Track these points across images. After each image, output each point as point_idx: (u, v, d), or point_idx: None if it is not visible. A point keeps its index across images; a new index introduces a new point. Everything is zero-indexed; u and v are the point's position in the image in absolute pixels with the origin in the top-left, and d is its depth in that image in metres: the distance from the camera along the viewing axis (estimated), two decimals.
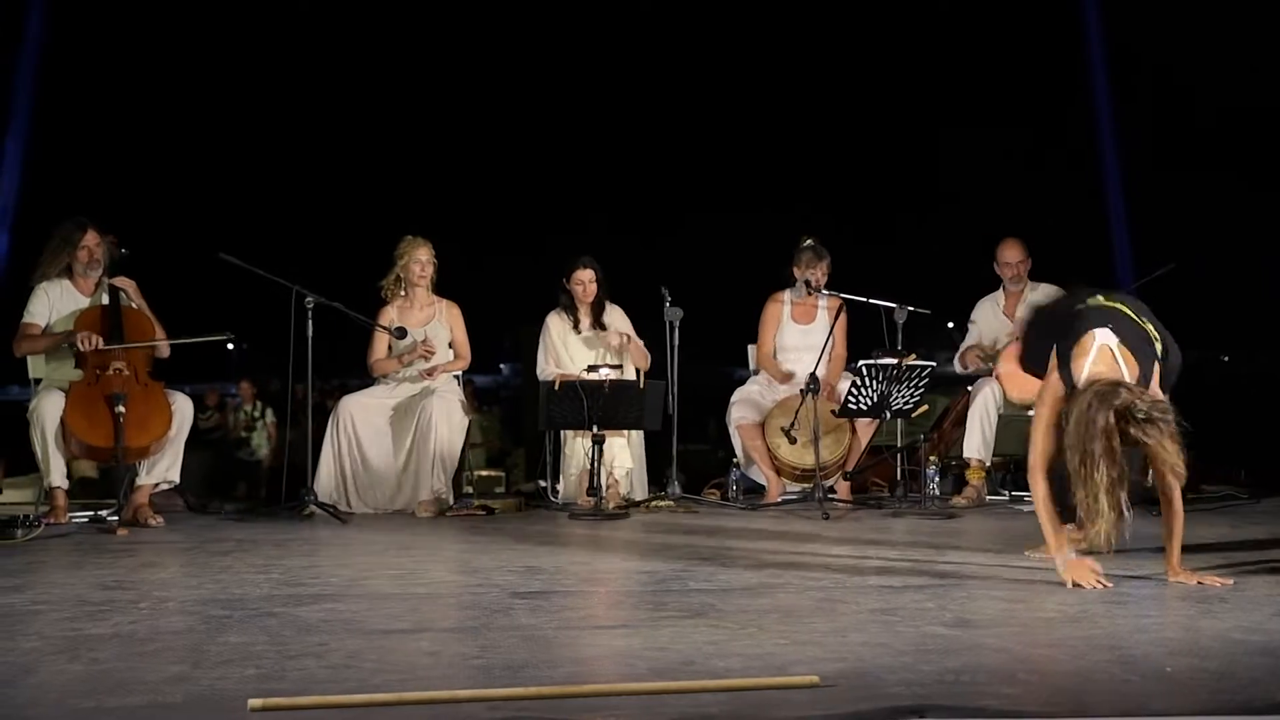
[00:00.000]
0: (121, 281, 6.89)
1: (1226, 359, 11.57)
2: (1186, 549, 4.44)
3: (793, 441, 7.38)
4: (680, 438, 7.65)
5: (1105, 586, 4.14)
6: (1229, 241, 9.83)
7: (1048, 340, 4.52)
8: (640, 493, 7.59)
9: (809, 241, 7.86)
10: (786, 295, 7.95)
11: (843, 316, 7.67)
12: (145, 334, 6.78)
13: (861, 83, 11.29)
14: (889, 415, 7.10)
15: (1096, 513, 3.95)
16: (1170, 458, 4.05)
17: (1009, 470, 7.82)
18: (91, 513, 6.66)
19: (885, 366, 6.90)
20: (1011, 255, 7.87)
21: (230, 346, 15.97)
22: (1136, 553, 4.85)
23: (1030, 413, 7.52)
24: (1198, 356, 11.65)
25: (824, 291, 7.76)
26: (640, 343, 7.66)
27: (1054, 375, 4.42)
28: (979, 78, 10.80)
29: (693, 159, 11.82)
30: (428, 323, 7.56)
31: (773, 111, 11.58)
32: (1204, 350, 11.69)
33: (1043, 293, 7.86)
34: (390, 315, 7.52)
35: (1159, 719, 2.58)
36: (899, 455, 7.51)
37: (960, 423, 7.66)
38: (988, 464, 7.52)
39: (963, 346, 8.00)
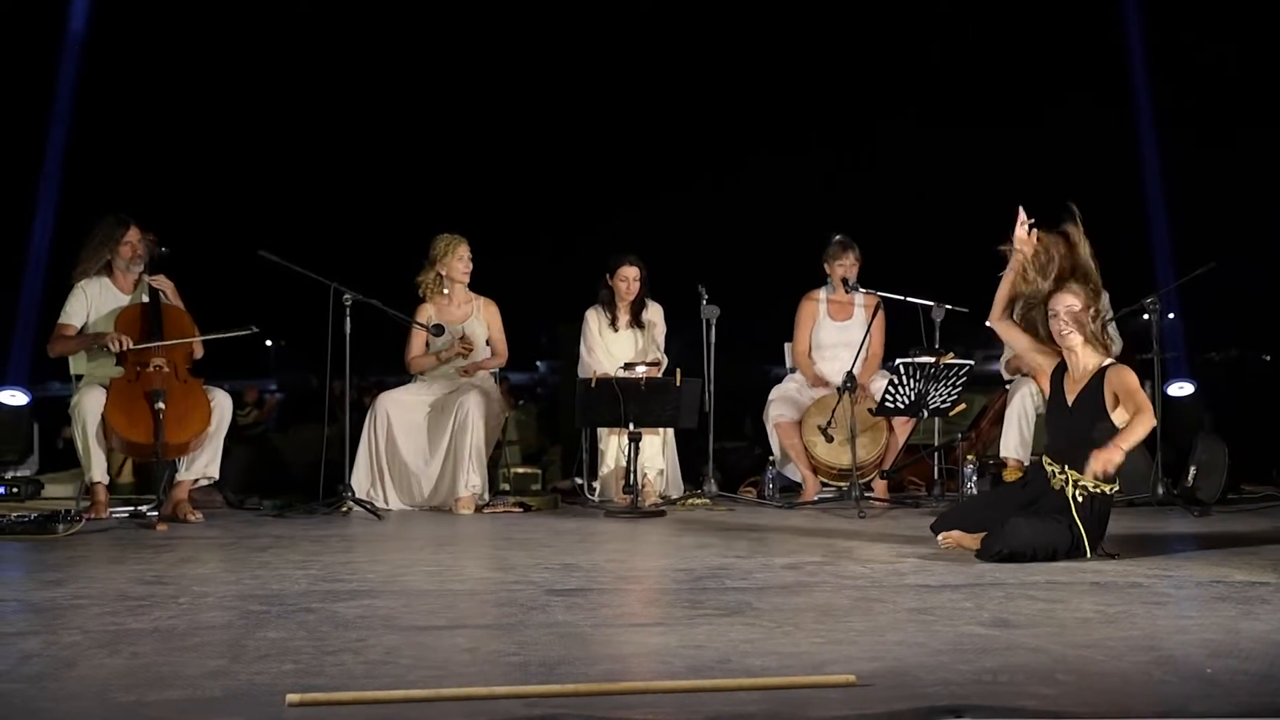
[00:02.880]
0: (160, 281, 6.93)
1: (1269, 358, 11.45)
2: (1224, 550, 4.41)
3: (829, 440, 7.36)
4: (717, 435, 7.64)
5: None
6: (1271, 239, 9.73)
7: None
8: (674, 491, 7.59)
9: (837, 237, 7.86)
10: (822, 293, 7.93)
11: (880, 315, 7.65)
12: (185, 332, 6.81)
13: (892, 76, 11.24)
14: (926, 414, 7.07)
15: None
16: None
17: None
18: (131, 508, 6.71)
19: (922, 365, 6.88)
20: None
21: (269, 344, 16.03)
22: (1176, 554, 4.81)
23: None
24: (1239, 355, 11.55)
25: (861, 289, 7.74)
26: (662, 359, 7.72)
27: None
28: (1015, 67, 10.71)
29: (727, 158, 11.80)
30: (465, 320, 7.59)
31: (804, 106, 11.55)
32: (1245, 349, 11.58)
33: None
34: (428, 312, 7.54)
35: None
36: (936, 454, 7.48)
37: (998, 421, 7.62)
38: (1026, 463, 7.47)
39: (1006, 353, 7.90)
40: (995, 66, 10.76)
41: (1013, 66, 10.69)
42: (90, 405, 6.51)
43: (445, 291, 7.58)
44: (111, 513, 6.58)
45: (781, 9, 11.18)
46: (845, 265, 7.77)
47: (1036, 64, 10.58)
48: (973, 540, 4.97)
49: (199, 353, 6.91)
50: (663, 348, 7.84)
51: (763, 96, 11.59)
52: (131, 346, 6.60)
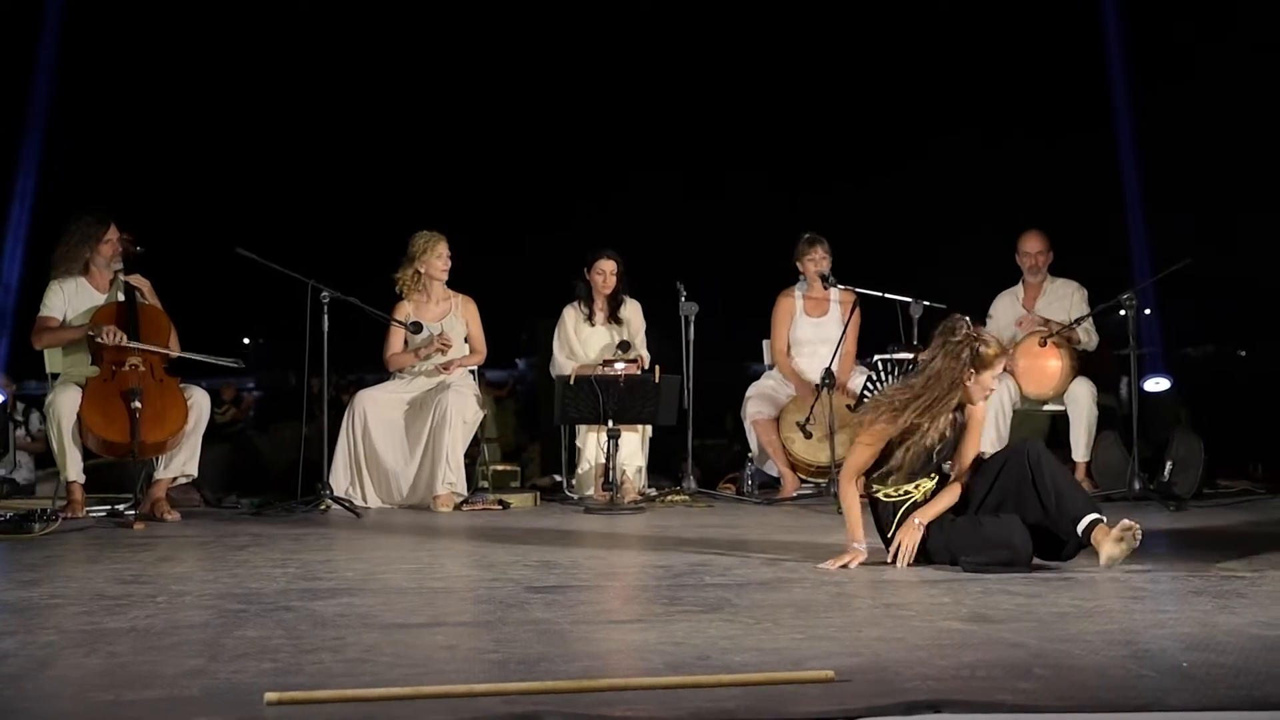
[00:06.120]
0: (137, 280, 6.91)
1: (1244, 353, 11.49)
2: (1201, 544, 4.43)
3: (808, 436, 7.37)
4: (696, 432, 7.65)
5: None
6: (1246, 234, 9.78)
7: None
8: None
9: (807, 234, 7.90)
10: (797, 290, 7.95)
11: (856, 313, 7.67)
12: (161, 330, 6.80)
13: (887, 80, 11.24)
14: None
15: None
16: None
17: None
18: (108, 507, 6.69)
19: (901, 361, 6.90)
20: (1032, 246, 7.85)
21: (246, 341, 15.98)
22: (1152, 548, 4.83)
23: (1045, 407, 7.58)
24: (1215, 350, 11.60)
25: (839, 285, 7.75)
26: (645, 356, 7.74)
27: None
28: (993, 66, 10.73)
29: (713, 158, 11.78)
30: (444, 317, 7.58)
31: (790, 106, 11.54)
32: (1221, 345, 11.63)
33: (1061, 286, 7.84)
34: (406, 310, 7.53)
35: (1175, 714, 2.57)
36: None
37: None
38: None
39: None
40: (981, 66, 10.79)
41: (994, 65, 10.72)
42: (66, 404, 6.48)
43: (421, 289, 7.58)
44: (88, 512, 6.56)
45: (772, 6, 11.19)
46: (815, 260, 7.80)
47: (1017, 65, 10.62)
48: None
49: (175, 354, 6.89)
50: (644, 345, 7.86)
51: (745, 92, 11.57)
52: (125, 342, 6.56)
